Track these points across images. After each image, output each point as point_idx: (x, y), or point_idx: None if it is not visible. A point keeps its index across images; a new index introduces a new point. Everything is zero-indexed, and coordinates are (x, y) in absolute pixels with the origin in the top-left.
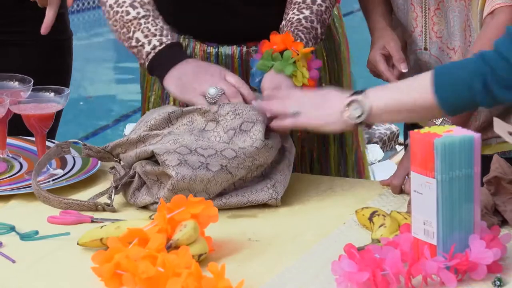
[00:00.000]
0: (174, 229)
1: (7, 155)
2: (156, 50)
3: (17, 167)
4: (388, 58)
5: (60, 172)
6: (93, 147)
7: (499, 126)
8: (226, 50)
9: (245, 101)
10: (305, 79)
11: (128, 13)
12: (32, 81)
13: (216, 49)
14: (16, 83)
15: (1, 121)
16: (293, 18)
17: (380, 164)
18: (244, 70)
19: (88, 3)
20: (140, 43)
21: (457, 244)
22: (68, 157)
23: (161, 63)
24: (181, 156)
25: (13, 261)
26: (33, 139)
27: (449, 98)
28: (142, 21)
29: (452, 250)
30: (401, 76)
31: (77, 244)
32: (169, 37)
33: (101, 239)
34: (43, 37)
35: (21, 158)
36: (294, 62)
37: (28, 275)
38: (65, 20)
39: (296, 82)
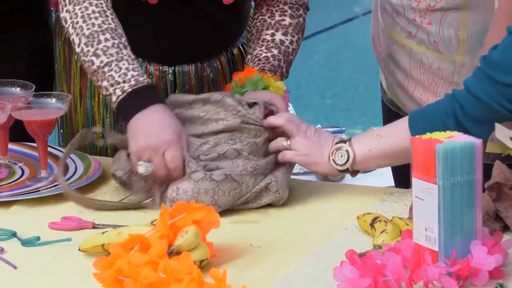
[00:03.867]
0: (176, 235)
1: (9, 161)
2: (119, 100)
3: (18, 173)
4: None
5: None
6: (117, 135)
7: (501, 132)
8: (182, 68)
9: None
10: (280, 91)
11: (92, 63)
12: (34, 87)
13: (173, 68)
14: (18, 89)
15: (2, 127)
16: (260, 54)
17: (381, 170)
18: (200, 87)
19: None
20: (108, 92)
21: (458, 250)
22: (70, 163)
23: (123, 113)
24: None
25: (15, 267)
26: (35, 145)
27: None
28: (106, 69)
29: (453, 256)
30: None
31: (79, 250)
32: (132, 82)
33: (102, 245)
34: (28, 43)
35: (23, 164)
36: (263, 78)
37: (30, 281)
38: (49, 26)
39: (273, 91)
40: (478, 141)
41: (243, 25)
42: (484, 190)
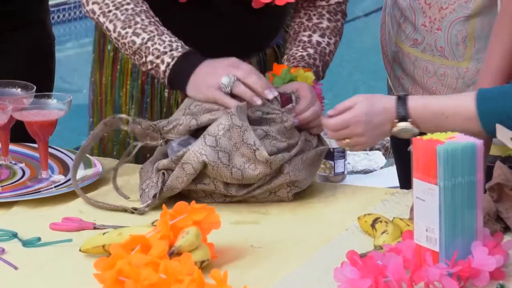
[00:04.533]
0: (177, 235)
1: (10, 162)
2: (170, 66)
3: (19, 173)
4: None
5: (62, 178)
6: (143, 121)
7: (502, 133)
8: None
9: (258, 88)
10: (309, 80)
11: (134, 42)
12: (35, 87)
13: None
14: (19, 89)
15: (3, 128)
16: (296, 53)
17: (383, 171)
18: None
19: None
20: (154, 65)
21: (459, 250)
22: (70, 163)
23: (178, 76)
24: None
25: (16, 268)
26: (36, 145)
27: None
28: (149, 44)
29: (454, 257)
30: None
31: (80, 250)
32: (179, 49)
33: (103, 246)
34: (26, 43)
35: (24, 164)
36: (290, 71)
37: (31, 281)
38: (46, 26)
39: (300, 80)
40: (479, 142)
41: (277, 28)
42: (485, 191)
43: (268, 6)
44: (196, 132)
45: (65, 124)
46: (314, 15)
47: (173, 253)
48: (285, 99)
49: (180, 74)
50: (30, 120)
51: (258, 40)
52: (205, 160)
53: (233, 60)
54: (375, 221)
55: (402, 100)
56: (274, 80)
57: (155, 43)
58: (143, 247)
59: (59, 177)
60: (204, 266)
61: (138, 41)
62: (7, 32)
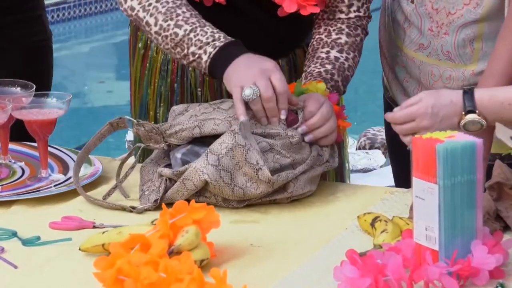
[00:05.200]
0: (176, 234)
1: (9, 161)
2: (211, 56)
3: (19, 172)
4: None
5: (61, 177)
6: (147, 124)
7: (502, 131)
8: None
9: (278, 108)
10: (320, 90)
11: (176, 34)
12: (35, 86)
13: None
14: (18, 88)
15: (3, 127)
16: (313, 70)
17: (382, 170)
18: None
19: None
20: (197, 56)
21: (459, 249)
22: (70, 162)
23: (218, 65)
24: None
25: (15, 267)
26: (35, 144)
27: None
28: (192, 35)
29: (454, 255)
30: None
31: (79, 249)
32: (222, 39)
33: (103, 245)
34: (22, 40)
35: (23, 163)
36: (300, 85)
37: (30, 280)
38: (43, 21)
39: (311, 91)
40: (478, 141)
41: (304, 33)
42: (484, 190)
43: (293, 14)
44: (200, 138)
45: (65, 123)
46: (334, 30)
47: (173, 252)
48: (291, 120)
49: (220, 63)
50: (29, 119)
51: (285, 45)
52: (206, 179)
53: (269, 66)
54: (375, 220)
55: (469, 93)
56: None
57: (198, 33)
58: (143, 246)
59: (58, 176)
60: (204, 265)
61: (181, 32)
62: (4, 28)
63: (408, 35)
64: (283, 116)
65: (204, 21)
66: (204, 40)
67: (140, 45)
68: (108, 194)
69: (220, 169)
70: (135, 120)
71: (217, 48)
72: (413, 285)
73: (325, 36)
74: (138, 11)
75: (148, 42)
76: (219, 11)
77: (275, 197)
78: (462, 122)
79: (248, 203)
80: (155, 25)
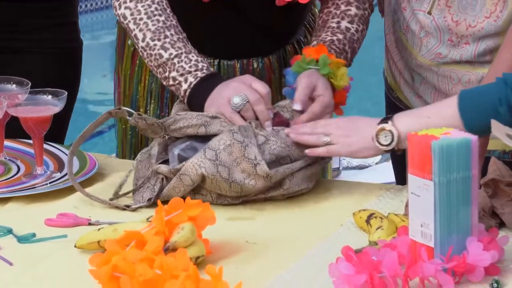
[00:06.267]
0: (172, 231)
1: (5, 158)
2: (192, 86)
3: (14, 169)
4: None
5: (57, 174)
6: (148, 117)
7: (497, 128)
8: (228, 61)
9: (261, 119)
10: (343, 81)
11: (161, 56)
12: (30, 83)
13: (218, 60)
14: (14, 85)
15: None
16: (325, 38)
17: (378, 166)
18: None
19: (91, 4)
20: (177, 82)
21: (454, 246)
22: (65, 159)
23: (197, 96)
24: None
25: (11, 264)
26: (31, 141)
27: (476, 124)
28: (176, 60)
29: (449, 252)
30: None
31: (75, 246)
32: (204, 70)
33: (98, 242)
34: (55, 45)
35: (19, 160)
36: (330, 64)
37: (26, 277)
38: (76, 29)
39: (335, 82)
40: (474, 138)
41: (298, 24)
42: (480, 187)
43: (291, 3)
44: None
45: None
46: (342, 3)
47: (168, 249)
48: (279, 121)
49: (199, 94)
50: (25, 116)
51: (279, 36)
52: (203, 173)
53: (245, 77)
54: (370, 216)
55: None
56: (311, 61)
57: (182, 60)
58: (138, 243)
59: (54, 173)
60: (199, 262)
61: (166, 55)
62: (37, 31)
63: (425, 45)
64: (269, 129)
65: (190, 46)
66: (187, 68)
67: (129, 42)
68: (117, 196)
69: (218, 163)
70: (135, 113)
71: (198, 79)
72: (409, 282)
73: (334, 9)
74: (129, 22)
75: None
76: (215, 2)
77: (271, 193)
78: (374, 131)
79: (244, 200)
80: (143, 40)
